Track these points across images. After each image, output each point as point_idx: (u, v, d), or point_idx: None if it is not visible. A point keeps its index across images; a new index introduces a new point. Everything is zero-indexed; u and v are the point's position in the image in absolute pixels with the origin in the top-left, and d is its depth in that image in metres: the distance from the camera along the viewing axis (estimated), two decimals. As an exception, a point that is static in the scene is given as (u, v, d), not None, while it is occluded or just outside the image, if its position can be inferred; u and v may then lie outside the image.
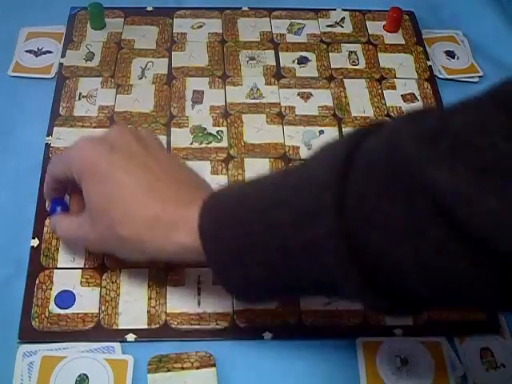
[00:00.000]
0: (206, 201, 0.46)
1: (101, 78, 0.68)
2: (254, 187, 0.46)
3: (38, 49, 0.71)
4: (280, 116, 0.66)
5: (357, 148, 0.40)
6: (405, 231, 0.37)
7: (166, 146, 0.62)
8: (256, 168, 0.62)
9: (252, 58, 0.72)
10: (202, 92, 0.68)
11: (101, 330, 0.51)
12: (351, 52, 0.73)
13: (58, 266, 0.54)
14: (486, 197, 0.34)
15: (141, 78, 0.69)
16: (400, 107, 0.68)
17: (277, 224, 0.42)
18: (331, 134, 0.65)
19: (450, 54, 0.75)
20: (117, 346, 0.50)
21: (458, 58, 0.74)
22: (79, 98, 0.66)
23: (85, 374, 0.48)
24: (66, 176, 0.51)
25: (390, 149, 0.38)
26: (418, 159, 0.36)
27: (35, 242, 0.55)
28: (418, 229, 0.36)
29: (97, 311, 0.52)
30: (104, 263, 0.55)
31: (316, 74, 0.71)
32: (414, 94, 0.70)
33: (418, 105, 0.68)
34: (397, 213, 0.37)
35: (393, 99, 0.69)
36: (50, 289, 0.53)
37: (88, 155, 0.49)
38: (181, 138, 0.63)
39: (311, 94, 0.69)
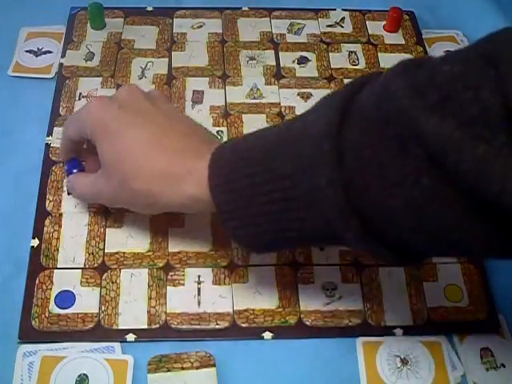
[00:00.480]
0: (213, 153, 0.47)
1: (101, 78, 0.68)
2: (256, 140, 0.47)
3: (38, 49, 0.71)
4: (280, 116, 0.66)
5: (352, 99, 0.42)
6: (399, 180, 0.38)
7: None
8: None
9: (252, 58, 0.72)
10: (202, 92, 0.68)
11: (101, 330, 0.51)
12: (351, 52, 0.73)
13: (58, 266, 0.54)
14: (475, 145, 0.35)
15: (141, 78, 0.69)
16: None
17: (278, 176, 0.43)
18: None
19: (450, 54, 0.75)
20: (117, 345, 0.50)
21: (457, 58, 0.74)
22: (79, 98, 0.66)
23: (85, 374, 0.48)
24: (81, 136, 0.53)
25: (383, 100, 0.39)
26: (409, 109, 0.37)
27: (35, 242, 0.55)
28: (412, 177, 0.37)
29: (97, 311, 0.52)
30: (104, 263, 0.55)
31: (316, 74, 0.71)
32: (413, 93, 0.70)
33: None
34: (391, 162, 0.38)
35: (393, 99, 0.69)
36: (50, 289, 0.53)
37: (98, 114, 0.51)
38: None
39: (311, 94, 0.69)
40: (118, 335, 0.51)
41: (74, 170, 0.56)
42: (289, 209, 0.43)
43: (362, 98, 0.42)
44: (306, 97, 0.68)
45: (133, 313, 0.52)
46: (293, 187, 0.42)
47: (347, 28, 0.76)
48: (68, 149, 0.57)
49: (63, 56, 0.70)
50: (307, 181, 0.41)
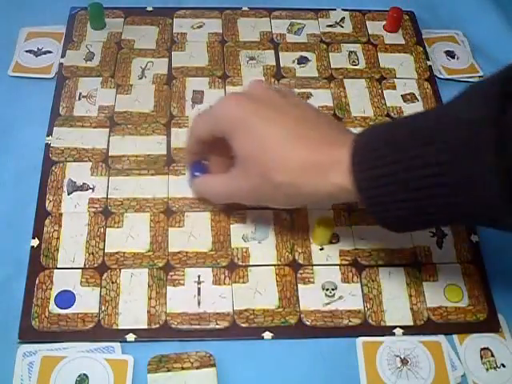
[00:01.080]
0: (355, 140, 0.47)
1: (101, 78, 0.68)
2: (400, 127, 0.47)
3: (37, 49, 0.71)
4: (280, 116, 0.66)
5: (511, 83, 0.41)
6: None
7: (165, 146, 0.63)
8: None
9: (252, 58, 0.72)
10: (202, 92, 0.68)
11: (101, 330, 0.51)
12: (351, 52, 0.73)
13: (58, 266, 0.54)
14: None
15: (141, 78, 0.69)
16: (400, 107, 0.68)
17: (429, 162, 0.42)
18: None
19: (450, 54, 0.75)
20: (117, 346, 0.50)
21: (457, 58, 0.74)
22: (79, 98, 0.66)
23: (85, 374, 0.48)
24: (212, 136, 0.53)
25: None
26: None
27: (35, 242, 0.55)
28: None
29: (97, 311, 0.52)
30: (104, 263, 0.55)
31: (316, 74, 0.71)
32: (414, 93, 0.69)
33: (418, 105, 0.68)
34: None
35: (393, 99, 0.69)
36: (50, 289, 0.53)
37: (235, 110, 0.51)
38: (181, 138, 0.63)
39: (311, 94, 0.69)
40: (118, 335, 0.51)
41: (198, 173, 0.56)
42: (441, 195, 0.43)
43: None
44: (306, 97, 0.68)
45: (133, 313, 0.52)
46: (447, 173, 0.42)
47: (347, 28, 0.76)
48: (194, 150, 0.56)
49: (63, 56, 0.70)
50: (465, 167, 0.41)
